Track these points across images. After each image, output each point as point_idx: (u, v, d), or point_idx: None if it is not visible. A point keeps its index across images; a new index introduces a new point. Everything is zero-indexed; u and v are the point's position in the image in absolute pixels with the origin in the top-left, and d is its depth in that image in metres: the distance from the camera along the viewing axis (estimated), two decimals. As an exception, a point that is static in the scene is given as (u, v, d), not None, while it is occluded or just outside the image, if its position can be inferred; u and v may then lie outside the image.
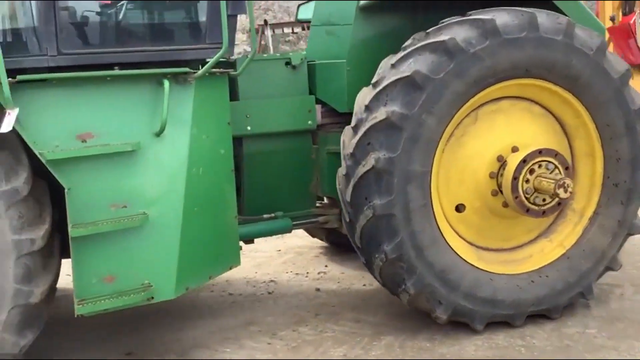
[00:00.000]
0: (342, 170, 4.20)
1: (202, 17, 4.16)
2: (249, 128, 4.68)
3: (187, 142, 3.79)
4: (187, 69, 3.77)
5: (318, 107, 4.87)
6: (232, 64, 4.56)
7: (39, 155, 3.37)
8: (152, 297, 3.66)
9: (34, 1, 3.74)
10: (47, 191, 3.61)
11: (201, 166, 3.90)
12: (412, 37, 4.20)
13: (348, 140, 4.15)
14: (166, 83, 3.66)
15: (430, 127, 3.94)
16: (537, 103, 4.35)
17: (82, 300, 3.47)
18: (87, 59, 3.89)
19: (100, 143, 3.59)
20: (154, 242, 3.68)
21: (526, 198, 4.13)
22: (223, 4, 3.82)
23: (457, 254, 4.18)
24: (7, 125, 3.24)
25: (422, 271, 4.03)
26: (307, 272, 5.78)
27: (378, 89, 4.00)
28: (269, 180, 4.86)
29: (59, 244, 3.69)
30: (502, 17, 4.01)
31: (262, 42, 12.76)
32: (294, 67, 4.83)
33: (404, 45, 4.16)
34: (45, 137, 3.49)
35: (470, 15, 4.09)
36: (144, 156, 3.68)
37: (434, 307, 4.11)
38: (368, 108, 4.01)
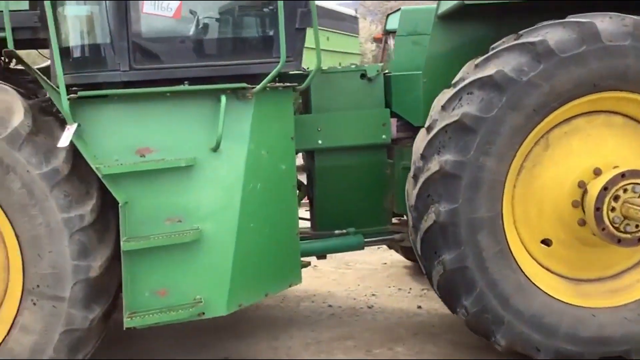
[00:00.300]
0: (409, 221, 4.04)
1: (272, 31, 4.12)
2: (320, 142, 4.61)
3: (244, 158, 3.76)
4: (244, 84, 3.74)
5: (393, 121, 4.70)
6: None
7: (95, 170, 3.45)
8: (203, 313, 3.66)
9: (109, 17, 3.85)
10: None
11: (259, 182, 3.86)
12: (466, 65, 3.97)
13: (416, 152, 3.98)
14: (223, 98, 3.65)
15: (491, 169, 3.68)
16: (616, 113, 3.93)
17: (132, 313, 3.53)
18: (158, 74, 3.97)
19: (158, 158, 3.64)
20: (207, 258, 3.69)
21: (615, 228, 3.74)
22: (281, 17, 3.73)
23: (550, 295, 3.87)
24: (65, 140, 3.36)
25: (511, 320, 3.77)
26: (410, 288, 5.68)
27: (431, 135, 3.82)
28: (341, 195, 4.76)
29: (115, 216, 3.69)
30: (555, 34, 3.67)
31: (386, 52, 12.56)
32: (369, 79, 4.69)
33: (453, 82, 3.94)
34: (106, 151, 3.59)
35: (520, 37, 3.78)
36: (200, 171, 3.69)
37: (532, 354, 3.83)
38: (424, 157, 3.84)
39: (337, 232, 4.77)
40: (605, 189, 3.67)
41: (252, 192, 3.81)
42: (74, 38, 4.04)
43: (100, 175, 3.46)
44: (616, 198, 3.69)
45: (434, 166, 3.73)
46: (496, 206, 3.72)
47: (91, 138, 3.57)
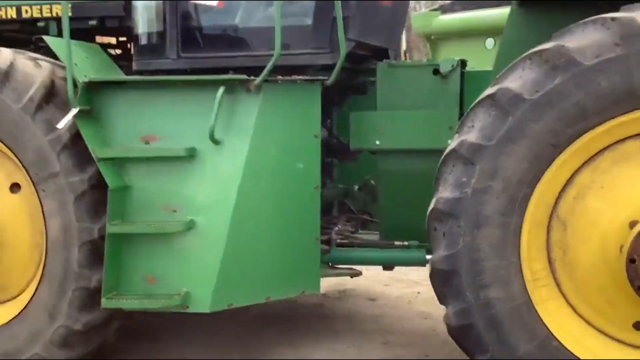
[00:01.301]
0: None
1: (308, 21, 3.87)
2: (377, 142, 4.20)
3: (246, 153, 3.60)
4: (244, 77, 3.57)
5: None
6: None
7: (91, 152, 3.60)
8: (187, 306, 3.61)
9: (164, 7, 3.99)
10: None
11: (264, 179, 3.67)
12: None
13: None
14: (220, 90, 3.53)
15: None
16: None
17: (116, 295, 3.61)
18: (202, 63, 4.02)
19: (161, 146, 3.66)
20: (196, 251, 3.63)
21: None
22: (278, 4, 3.47)
23: None
24: (62, 122, 3.56)
25: None
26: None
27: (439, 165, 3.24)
28: (404, 204, 4.29)
29: None
30: (578, 38, 2.80)
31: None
32: (443, 75, 4.13)
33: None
34: (115, 136, 3.73)
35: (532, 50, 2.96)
36: (200, 163, 3.64)
37: None
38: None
39: (397, 243, 4.32)
40: None
41: (254, 189, 3.64)
42: (138, 27, 4.25)
43: (95, 158, 3.59)
44: None
45: (434, 201, 3.17)
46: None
47: (103, 122, 3.73)
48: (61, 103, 3.66)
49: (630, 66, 2.74)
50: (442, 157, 3.11)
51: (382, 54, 4.82)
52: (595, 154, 2.98)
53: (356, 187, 4.72)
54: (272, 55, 3.73)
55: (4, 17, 4.55)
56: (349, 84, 4.57)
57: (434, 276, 3.13)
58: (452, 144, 3.04)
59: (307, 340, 4.61)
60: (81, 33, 4.50)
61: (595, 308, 3.07)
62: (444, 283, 3.09)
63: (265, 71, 3.53)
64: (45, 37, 3.83)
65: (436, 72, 4.13)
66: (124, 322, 4.01)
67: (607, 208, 2.95)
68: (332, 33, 3.80)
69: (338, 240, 4.42)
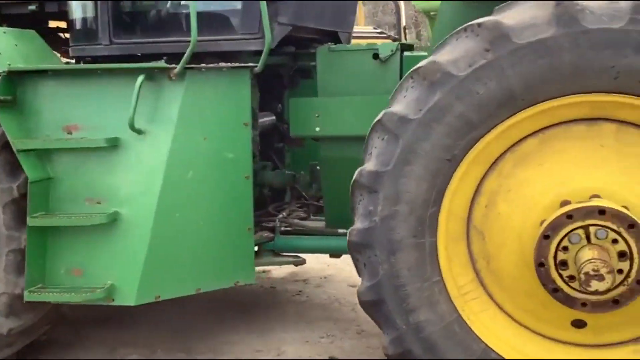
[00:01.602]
0: None
1: (238, 6, 3.76)
2: (317, 129, 4.09)
3: (169, 142, 3.51)
4: (163, 65, 3.47)
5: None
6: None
7: (12, 144, 3.53)
8: (113, 299, 3.56)
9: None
10: None
11: (191, 169, 3.58)
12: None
13: None
14: (139, 79, 3.43)
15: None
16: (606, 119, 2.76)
17: (40, 288, 3.56)
18: (134, 49, 3.93)
19: (82, 136, 3.58)
20: (121, 243, 3.55)
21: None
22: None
23: None
24: None
25: None
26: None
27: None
28: (346, 191, 4.18)
29: None
30: (451, 50, 2.69)
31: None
32: (382, 60, 4.00)
33: None
34: (38, 126, 3.65)
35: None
36: (124, 153, 3.56)
37: None
38: None
39: (340, 231, 4.23)
40: (545, 237, 2.62)
41: (178, 180, 3.56)
42: (72, 11, 4.16)
43: (14, 150, 3.52)
44: (565, 249, 2.61)
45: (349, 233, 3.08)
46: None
47: (26, 112, 3.65)
48: None
49: (503, 69, 2.62)
50: (350, 187, 3.01)
51: (331, 37, 4.70)
52: (497, 159, 2.85)
53: (302, 173, 4.62)
54: (206, 40, 3.63)
55: None
56: (295, 68, 4.46)
57: (364, 307, 3.04)
58: (355, 174, 2.95)
59: (279, 329, 4.55)
60: (24, 18, 4.43)
61: (530, 312, 2.95)
62: (374, 313, 2.99)
63: (183, 59, 3.42)
64: (-37, 27, 3.73)
65: (376, 56, 3.99)
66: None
67: (517, 210, 2.82)
68: (258, 17, 3.68)
69: (282, 228, 4.34)
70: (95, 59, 4.10)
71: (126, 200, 3.55)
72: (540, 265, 2.65)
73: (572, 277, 2.62)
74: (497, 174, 2.84)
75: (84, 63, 4.22)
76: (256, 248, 4.20)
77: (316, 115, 4.05)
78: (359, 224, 2.94)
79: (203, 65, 3.56)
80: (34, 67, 3.64)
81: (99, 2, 3.96)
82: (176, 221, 3.57)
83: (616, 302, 2.66)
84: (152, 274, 3.55)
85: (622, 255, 2.55)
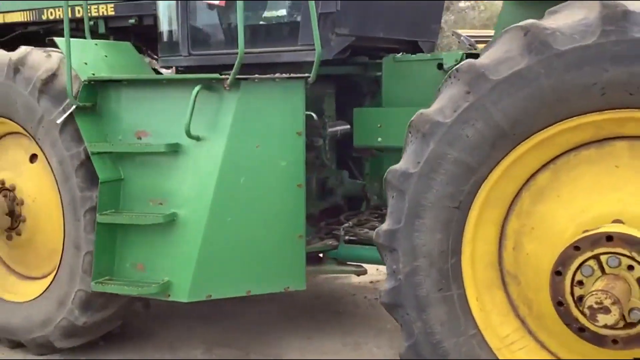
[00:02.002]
0: None
1: (298, 18, 3.88)
2: (379, 139, 4.12)
3: (223, 149, 3.69)
4: (216, 76, 3.65)
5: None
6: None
7: (87, 146, 3.88)
8: (169, 295, 3.80)
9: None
10: None
11: (243, 176, 3.74)
12: None
13: None
14: (195, 89, 3.65)
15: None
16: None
17: (108, 279, 3.88)
18: (209, 60, 4.19)
19: (149, 141, 3.86)
20: (178, 242, 3.79)
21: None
22: (240, 5, 3.49)
23: None
24: (60, 118, 3.88)
25: None
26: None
27: None
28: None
29: None
30: (439, 99, 2.65)
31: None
32: (446, 70, 3.93)
33: None
34: (114, 130, 3.99)
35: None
36: (183, 158, 3.79)
37: None
38: None
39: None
40: (557, 273, 2.46)
41: (231, 185, 3.73)
42: (160, 25, 4.49)
43: (89, 152, 3.87)
44: (580, 283, 2.43)
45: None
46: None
47: (104, 117, 4.00)
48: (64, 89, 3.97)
49: (486, 108, 2.53)
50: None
51: (412, 45, 4.68)
52: (514, 199, 2.73)
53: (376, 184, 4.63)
54: (269, 52, 3.78)
55: (58, 17, 4.99)
56: (373, 77, 4.48)
57: None
58: (374, 234, 2.97)
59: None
60: (122, 31, 4.85)
61: (587, 355, 2.77)
62: None
63: (234, 70, 3.57)
64: (55, 39, 4.14)
65: (440, 66, 3.93)
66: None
67: (544, 248, 2.66)
68: (322, 29, 3.75)
69: (347, 237, 4.39)
70: (177, 69, 4.39)
71: (183, 202, 3.78)
72: (559, 304, 2.49)
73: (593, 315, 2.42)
74: (517, 214, 2.73)
75: (170, 73, 4.53)
76: (321, 255, 4.29)
77: (378, 125, 4.06)
78: (387, 284, 2.92)
79: (256, 75, 3.69)
80: (108, 76, 3.97)
81: (179, 16, 4.24)
82: (228, 225, 3.74)
83: None
84: (204, 274, 3.75)
85: None
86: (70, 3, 4.70)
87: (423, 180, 2.70)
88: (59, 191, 4.06)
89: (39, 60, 4.07)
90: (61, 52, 4.08)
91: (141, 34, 4.93)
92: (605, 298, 2.25)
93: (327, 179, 4.59)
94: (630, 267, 2.33)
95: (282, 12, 4.03)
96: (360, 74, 4.53)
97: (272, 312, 5.08)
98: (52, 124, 3.97)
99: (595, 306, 2.28)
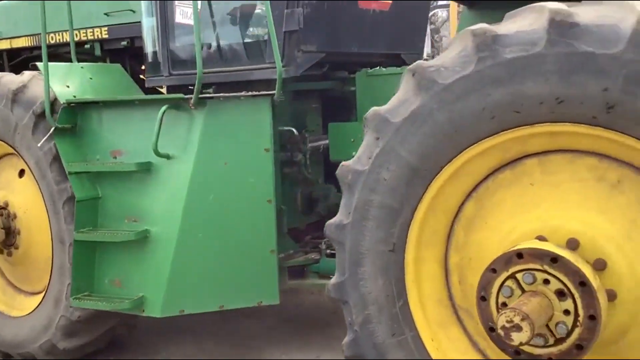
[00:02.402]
0: None
1: (265, 36, 3.94)
2: (353, 154, 4.10)
3: (191, 167, 3.77)
4: (181, 96, 3.74)
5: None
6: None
7: (65, 167, 4.02)
8: (143, 310, 3.89)
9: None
10: None
11: (212, 193, 3.81)
12: None
13: None
14: (162, 109, 3.74)
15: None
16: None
17: (86, 295, 4.00)
18: (188, 80, 4.28)
19: (123, 161, 3.97)
20: (151, 259, 3.88)
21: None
22: (197, 27, 3.57)
23: None
24: (41, 141, 4.03)
25: None
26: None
27: None
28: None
29: None
30: (395, 97, 2.62)
31: None
32: None
33: None
34: (92, 150, 4.11)
35: None
36: (155, 176, 3.89)
37: None
38: None
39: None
40: (482, 298, 2.43)
41: (201, 202, 3.80)
42: (145, 46, 4.62)
43: (67, 172, 4.00)
44: (505, 305, 2.39)
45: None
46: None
47: (84, 138, 4.13)
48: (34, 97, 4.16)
49: (396, 150, 2.62)
50: None
51: (396, 60, 4.68)
52: (449, 234, 2.73)
53: None
54: (239, 70, 3.86)
55: (60, 41, 5.18)
56: (350, 92, 4.50)
57: None
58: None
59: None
60: (117, 53, 4.99)
61: None
62: None
63: (195, 89, 3.65)
64: (37, 63, 4.30)
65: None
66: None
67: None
68: (287, 47, 3.80)
69: (329, 251, 4.39)
70: (160, 89, 4.50)
71: (155, 219, 3.86)
72: (491, 330, 2.45)
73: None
74: (455, 248, 2.73)
75: (155, 93, 4.64)
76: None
77: (352, 140, 4.06)
78: (347, 337, 2.93)
79: (222, 94, 3.76)
80: (85, 98, 4.10)
81: (159, 37, 4.35)
82: (199, 241, 3.81)
83: (580, 348, 2.36)
84: (177, 289, 3.82)
85: (561, 294, 2.29)
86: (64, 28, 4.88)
87: (356, 229, 2.75)
88: (41, 191, 4.20)
89: (12, 78, 4.28)
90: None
91: (135, 56, 5.07)
92: (514, 315, 2.21)
93: (311, 193, 4.60)
94: (546, 281, 2.29)
95: (255, 31, 4.08)
96: (340, 89, 4.55)
97: (253, 325, 5.12)
98: (26, 129, 4.16)
99: (507, 325, 2.24)
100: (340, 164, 2.82)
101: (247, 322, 5.13)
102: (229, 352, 4.65)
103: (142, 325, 4.79)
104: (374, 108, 2.69)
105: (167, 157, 3.80)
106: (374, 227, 2.69)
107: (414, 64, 2.57)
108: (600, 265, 2.32)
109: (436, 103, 2.46)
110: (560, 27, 2.21)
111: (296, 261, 4.33)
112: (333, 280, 2.90)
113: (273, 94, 3.79)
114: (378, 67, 4.25)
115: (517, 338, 2.23)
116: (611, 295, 2.34)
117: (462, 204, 2.67)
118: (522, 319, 2.19)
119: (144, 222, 3.91)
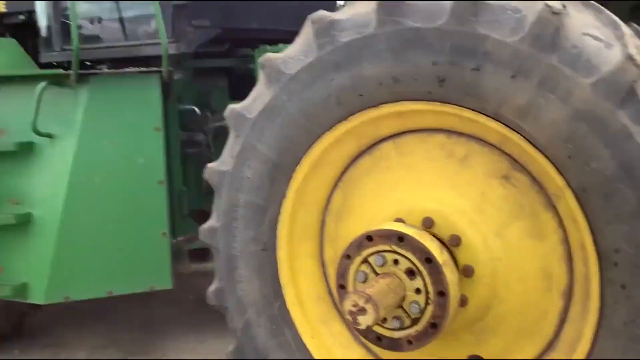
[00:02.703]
0: None
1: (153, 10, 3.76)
2: None
3: (74, 147, 3.59)
4: (60, 72, 3.54)
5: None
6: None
7: None
8: (26, 297, 3.70)
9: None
10: None
11: (97, 174, 3.63)
12: None
13: None
14: (40, 85, 3.54)
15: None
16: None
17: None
18: (82, 55, 4.06)
19: (5, 140, 3.76)
20: (34, 243, 3.69)
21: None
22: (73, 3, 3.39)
23: None
24: None
25: None
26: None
27: None
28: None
29: None
30: (252, 92, 2.55)
31: None
32: None
33: None
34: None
35: None
36: (37, 157, 3.69)
37: None
38: None
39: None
40: (342, 287, 2.33)
41: (85, 183, 3.62)
42: (38, 22, 4.39)
43: None
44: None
45: None
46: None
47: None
48: None
49: (254, 146, 2.50)
50: None
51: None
52: (322, 228, 2.65)
53: None
54: (129, 46, 3.68)
55: None
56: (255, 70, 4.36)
57: None
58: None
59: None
60: (17, 28, 4.75)
61: None
62: None
63: (73, 65, 3.47)
64: None
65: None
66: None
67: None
68: (176, 22, 3.64)
69: None
70: (54, 65, 4.28)
71: (38, 202, 3.67)
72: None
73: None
74: (328, 242, 2.64)
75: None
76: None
77: None
78: (230, 346, 2.82)
79: (105, 70, 3.58)
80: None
81: (52, 13, 4.13)
82: (84, 224, 3.63)
83: (435, 326, 2.26)
84: (61, 275, 3.64)
85: (411, 273, 2.19)
86: None
87: (227, 231, 2.64)
88: None
89: None
90: None
91: (34, 31, 4.83)
92: (359, 298, 2.12)
93: None
94: (396, 262, 2.20)
95: (145, 6, 3.90)
96: (246, 67, 4.40)
97: (162, 312, 4.97)
98: None
99: (353, 309, 2.14)
100: (206, 166, 2.68)
101: (165, 308, 4.97)
102: (143, 338, 4.50)
103: (53, 311, 4.60)
104: (231, 105, 2.61)
105: (49, 136, 3.61)
106: (242, 227, 2.60)
107: (263, 56, 2.49)
108: (455, 242, 2.25)
109: (286, 94, 2.40)
110: (389, 7, 2.18)
111: (199, 244, 4.18)
112: (212, 287, 2.78)
113: (161, 71, 3.63)
114: (279, 45, 4.11)
115: (363, 321, 2.13)
116: (469, 271, 2.27)
117: (330, 195, 2.58)
118: (366, 301, 2.10)
119: (27, 204, 3.71)
